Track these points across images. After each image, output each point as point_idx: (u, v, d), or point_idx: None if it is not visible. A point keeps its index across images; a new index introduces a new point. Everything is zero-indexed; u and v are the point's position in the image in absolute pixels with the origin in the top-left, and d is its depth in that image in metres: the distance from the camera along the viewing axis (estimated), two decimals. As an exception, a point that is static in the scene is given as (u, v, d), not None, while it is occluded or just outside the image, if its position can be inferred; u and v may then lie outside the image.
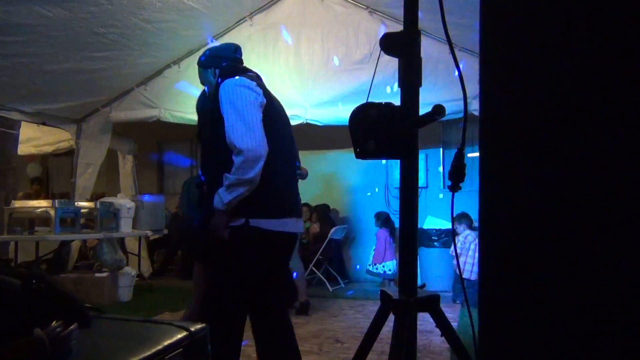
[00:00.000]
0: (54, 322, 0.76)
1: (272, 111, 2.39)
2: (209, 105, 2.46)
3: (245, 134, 2.20)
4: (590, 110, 0.81)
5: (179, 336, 1.01)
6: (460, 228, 5.59)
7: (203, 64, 2.55)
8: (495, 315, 0.92)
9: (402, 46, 1.51)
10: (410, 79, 1.50)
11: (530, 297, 0.87)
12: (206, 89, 2.60)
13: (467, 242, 5.42)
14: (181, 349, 0.99)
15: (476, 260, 4.79)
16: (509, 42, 0.91)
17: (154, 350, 0.94)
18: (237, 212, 2.24)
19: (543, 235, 0.85)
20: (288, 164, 2.46)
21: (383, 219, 6.53)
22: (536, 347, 0.87)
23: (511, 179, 0.89)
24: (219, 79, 2.38)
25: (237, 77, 2.34)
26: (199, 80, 2.62)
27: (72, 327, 0.77)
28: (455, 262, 5.44)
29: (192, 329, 1.04)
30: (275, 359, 2.45)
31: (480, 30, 0.95)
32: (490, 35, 0.94)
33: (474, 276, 5.15)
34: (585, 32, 0.82)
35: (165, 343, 0.97)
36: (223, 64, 2.50)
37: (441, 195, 6.46)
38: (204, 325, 1.06)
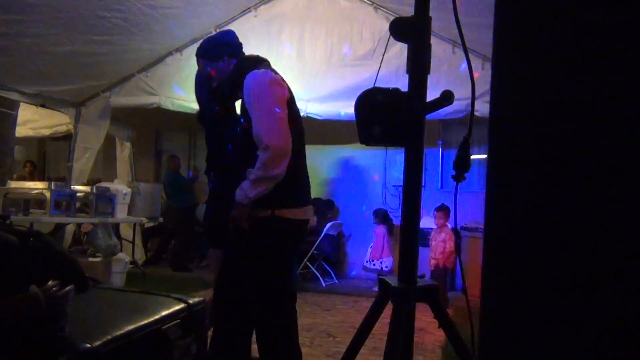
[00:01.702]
0: (50, 281, 0.74)
1: (293, 103, 2.41)
2: (221, 95, 2.47)
3: (274, 130, 2.22)
4: (602, 113, 0.79)
5: (177, 308, 1.00)
6: (440, 222, 5.84)
7: (213, 55, 2.46)
8: (497, 317, 0.90)
9: (412, 31, 1.49)
10: (418, 65, 1.48)
11: (534, 299, 0.86)
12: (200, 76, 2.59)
13: (448, 240, 5.67)
14: (179, 320, 0.97)
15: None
16: (522, 43, 0.89)
17: (151, 319, 0.92)
18: (262, 203, 2.26)
19: (550, 237, 0.83)
20: (304, 154, 2.50)
21: (382, 216, 6.53)
22: (538, 349, 0.86)
23: (519, 181, 0.87)
24: (239, 69, 2.37)
25: (263, 71, 2.35)
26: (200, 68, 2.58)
27: (68, 287, 0.75)
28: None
29: (191, 301, 1.02)
30: (281, 351, 2.43)
31: (494, 31, 0.93)
32: (503, 36, 0.92)
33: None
34: (599, 34, 0.81)
35: (163, 313, 0.95)
36: (235, 52, 2.48)
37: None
38: (202, 299, 1.04)
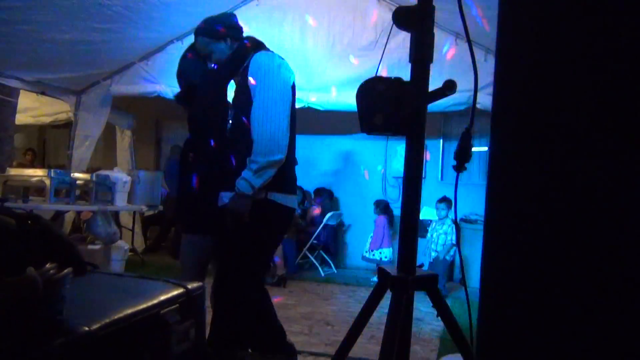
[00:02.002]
0: (48, 264, 0.74)
1: (293, 90, 2.40)
2: (218, 78, 2.43)
3: (278, 115, 2.22)
4: (608, 108, 0.79)
5: (175, 292, 0.99)
6: (442, 213, 5.86)
7: (217, 35, 2.42)
8: (495, 307, 0.90)
9: (415, 20, 1.48)
10: (421, 54, 1.47)
11: (533, 291, 0.85)
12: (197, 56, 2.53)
13: (449, 232, 5.74)
14: (177, 305, 0.97)
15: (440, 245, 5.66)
16: (527, 35, 0.88)
17: (149, 304, 0.92)
18: None
19: (551, 231, 0.83)
20: (294, 145, 2.48)
21: (383, 207, 6.54)
22: (536, 339, 0.85)
23: (522, 174, 0.86)
24: (242, 51, 2.36)
25: (271, 53, 2.35)
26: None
27: (66, 271, 0.75)
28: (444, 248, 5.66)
29: (189, 286, 1.02)
30: (268, 333, 2.47)
31: (498, 23, 0.92)
32: (508, 27, 0.91)
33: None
34: (607, 26, 0.79)
35: (162, 298, 0.95)
36: (237, 35, 2.46)
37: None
38: (200, 284, 1.04)
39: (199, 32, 2.48)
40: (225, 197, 2.32)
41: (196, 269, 2.47)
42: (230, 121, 2.41)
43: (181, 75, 2.57)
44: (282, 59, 2.36)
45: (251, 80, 2.26)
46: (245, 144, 2.26)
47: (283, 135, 2.23)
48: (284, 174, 2.32)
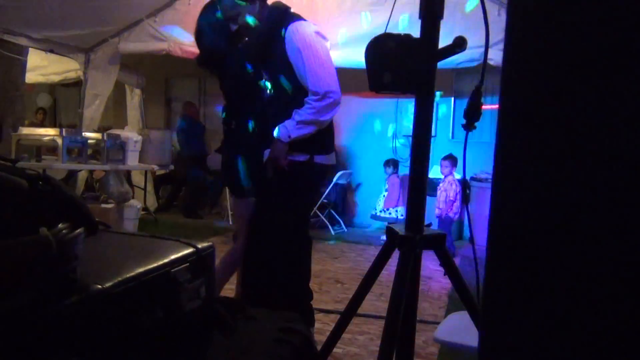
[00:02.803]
0: (60, 224, 0.75)
1: None
2: (256, 51, 2.40)
3: (331, 79, 2.28)
4: (626, 67, 0.76)
5: (186, 252, 1.01)
6: (446, 170, 5.82)
7: None
8: (502, 266, 0.91)
9: (426, -26, 1.44)
10: (431, 10, 1.44)
11: (541, 253, 0.85)
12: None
13: (450, 189, 5.71)
14: (187, 264, 0.99)
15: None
16: None
17: (160, 262, 0.94)
18: (300, 148, 2.32)
19: (561, 192, 0.82)
20: None
21: (393, 165, 6.53)
22: (543, 298, 0.86)
23: (532, 132, 0.85)
24: (275, 21, 2.32)
25: (306, 21, 2.35)
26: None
27: (78, 230, 0.76)
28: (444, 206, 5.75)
29: (199, 246, 1.04)
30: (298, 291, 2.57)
31: None
32: None
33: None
34: None
35: (172, 257, 0.97)
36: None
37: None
38: (210, 244, 1.06)
39: None
40: (269, 153, 2.38)
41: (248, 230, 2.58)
42: (269, 91, 2.41)
43: (201, 37, 2.45)
44: (315, 25, 2.38)
45: (294, 49, 2.26)
46: (286, 113, 2.30)
47: (336, 100, 2.29)
48: (328, 133, 2.42)
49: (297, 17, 2.36)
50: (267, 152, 2.40)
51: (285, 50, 2.27)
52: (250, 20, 2.36)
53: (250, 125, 2.55)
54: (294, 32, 2.26)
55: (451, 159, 5.81)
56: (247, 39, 2.41)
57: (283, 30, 2.28)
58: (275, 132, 2.30)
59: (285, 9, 2.41)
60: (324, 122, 2.30)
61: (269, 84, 2.41)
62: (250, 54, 2.44)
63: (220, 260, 2.64)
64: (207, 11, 2.43)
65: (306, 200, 2.56)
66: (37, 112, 8.42)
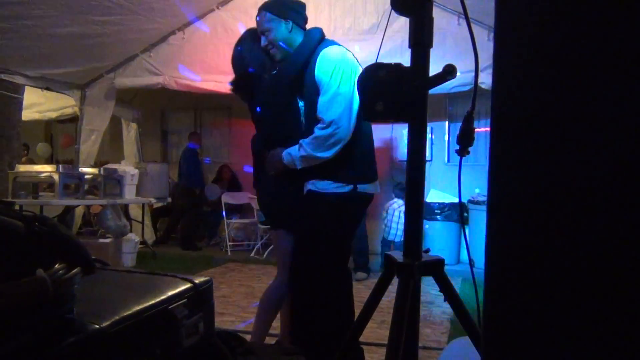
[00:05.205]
0: (57, 264, 0.75)
1: None
2: (286, 76, 2.35)
3: (344, 113, 2.19)
4: (613, 89, 0.78)
5: (183, 287, 1.01)
6: (393, 194, 6.16)
7: (284, 13, 2.32)
8: (501, 290, 0.90)
9: (413, 5, 1.47)
10: (420, 39, 1.46)
11: (539, 274, 0.85)
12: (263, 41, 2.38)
13: (392, 208, 6.08)
14: (185, 300, 0.99)
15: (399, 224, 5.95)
16: (526, 11, 0.87)
17: (157, 299, 0.93)
18: (344, 177, 2.27)
19: (554, 210, 0.82)
20: (371, 128, 2.50)
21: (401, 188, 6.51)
22: (542, 322, 0.86)
23: (523, 156, 0.86)
24: (309, 45, 2.30)
25: (340, 47, 2.30)
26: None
27: (75, 270, 0.76)
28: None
29: (197, 281, 1.04)
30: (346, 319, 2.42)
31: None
32: (506, 4, 0.90)
33: (398, 238, 6.04)
34: (609, 7, 0.78)
35: (170, 293, 0.97)
36: (300, 22, 2.39)
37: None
38: (208, 278, 1.05)
39: (265, 6, 2.36)
40: (310, 185, 2.33)
41: (289, 262, 2.44)
42: (303, 119, 2.37)
43: (237, 62, 2.46)
44: (348, 50, 2.32)
45: (319, 75, 2.23)
46: None
47: (342, 137, 2.20)
48: (370, 163, 2.37)
49: (330, 42, 2.34)
50: (309, 184, 2.35)
51: (314, 77, 2.25)
52: (279, 37, 2.32)
53: None
54: (322, 59, 2.24)
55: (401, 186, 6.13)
56: (281, 65, 2.39)
57: (315, 56, 2.27)
58: (283, 154, 2.27)
59: (321, 34, 2.38)
60: (323, 159, 2.22)
61: (303, 110, 2.38)
62: (283, 81, 2.39)
63: (261, 300, 2.52)
64: (244, 38, 2.47)
65: (350, 233, 2.46)
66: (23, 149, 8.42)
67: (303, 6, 2.47)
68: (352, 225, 2.45)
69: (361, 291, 4.77)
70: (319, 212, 2.30)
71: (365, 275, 5.39)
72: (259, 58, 2.40)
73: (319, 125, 2.20)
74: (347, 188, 2.28)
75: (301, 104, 2.40)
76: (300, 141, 2.24)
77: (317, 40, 2.33)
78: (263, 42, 2.36)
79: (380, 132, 7.06)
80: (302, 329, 2.37)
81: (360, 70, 2.30)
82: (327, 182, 2.28)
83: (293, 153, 2.26)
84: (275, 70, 2.41)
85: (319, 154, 2.21)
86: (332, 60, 2.22)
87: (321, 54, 2.25)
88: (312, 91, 2.27)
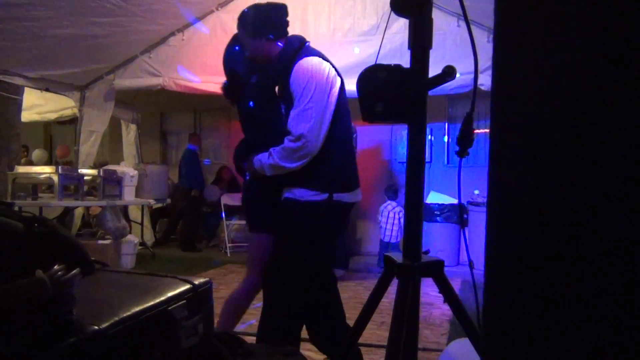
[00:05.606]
0: (57, 265, 0.75)
1: (342, 88, 2.32)
2: (268, 82, 2.36)
3: (314, 127, 2.16)
4: (612, 90, 0.77)
5: (183, 288, 1.01)
6: (385, 197, 6.31)
7: (251, 32, 2.30)
8: (501, 291, 0.90)
9: (413, 6, 1.47)
10: (420, 40, 1.46)
11: (538, 275, 0.85)
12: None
13: (387, 210, 6.20)
14: (184, 301, 0.99)
15: (398, 226, 6.12)
16: (525, 12, 0.87)
17: (157, 300, 0.93)
18: (320, 186, 2.24)
19: (555, 214, 0.82)
20: (352, 137, 2.48)
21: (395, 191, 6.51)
22: (542, 324, 0.86)
23: (522, 158, 0.86)
24: (288, 56, 2.26)
25: (318, 60, 2.24)
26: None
27: (74, 271, 0.76)
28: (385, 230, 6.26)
29: (196, 282, 1.04)
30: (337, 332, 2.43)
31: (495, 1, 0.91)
32: (505, 6, 0.90)
33: (393, 240, 6.20)
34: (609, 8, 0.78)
35: (169, 294, 0.97)
36: (279, 33, 2.34)
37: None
38: (207, 279, 1.05)
39: (240, 22, 2.36)
40: (287, 192, 2.31)
41: (262, 265, 2.42)
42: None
43: (225, 64, 2.47)
44: (325, 60, 2.28)
45: (294, 87, 2.20)
46: None
47: (310, 151, 2.18)
48: (348, 172, 2.32)
49: (310, 52, 2.30)
50: (285, 191, 2.33)
51: (289, 87, 2.23)
52: (257, 52, 2.32)
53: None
54: (296, 71, 2.21)
55: (390, 189, 6.34)
56: (259, 75, 2.37)
57: (294, 66, 2.23)
58: (253, 160, 2.28)
59: (300, 43, 2.34)
60: (290, 170, 2.20)
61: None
62: (263, 89, 2.38)
63: (226, 303, 2.49)
64: (230, 43, 2.46)
65: (327, 241, 2.39)
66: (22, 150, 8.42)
67: (281, 12, 2.39)
68: (329, 233, 2.37)
69: (361, 292, 4.78)
70: (294, 220, 2.28)
71: (342, 272, 5.37)
72: (242, 60, 2.39)
73: (288, 137, 2.18)
74: (322, 196, 2.24)
75: None
76: (271, 149, 2.22)
77: (295, 50, 2.29)
78: (246, 52, 2.36)
79: (379, 134, 7.07)
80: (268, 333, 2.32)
81: (339, 81, 2.29)
82: (303, 189, 2.25)
83: (263, 160, 2.25)
84: (255, 78, 2.39)
85: (287, 164, 2.20)
86: (305, 74, 2.19)
87: (296, 66, 2.21)
88: (290, 100, 2.25)
